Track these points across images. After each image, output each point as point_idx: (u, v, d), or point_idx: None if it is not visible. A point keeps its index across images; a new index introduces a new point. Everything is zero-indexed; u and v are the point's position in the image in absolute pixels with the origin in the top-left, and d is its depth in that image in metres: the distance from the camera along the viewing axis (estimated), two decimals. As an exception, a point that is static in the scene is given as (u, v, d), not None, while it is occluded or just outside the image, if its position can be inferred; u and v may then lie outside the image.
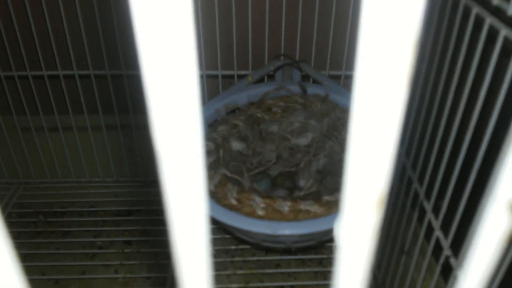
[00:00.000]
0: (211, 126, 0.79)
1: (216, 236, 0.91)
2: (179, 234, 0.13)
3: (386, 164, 0.10)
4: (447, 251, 0.55)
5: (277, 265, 0.89)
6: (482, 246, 0.13)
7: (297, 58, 0.92)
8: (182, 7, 0.10)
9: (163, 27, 0.10)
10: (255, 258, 0.90)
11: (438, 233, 0.58)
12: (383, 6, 0.10)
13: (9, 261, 0.13)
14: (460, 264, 0.52)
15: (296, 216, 0.61)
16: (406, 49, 0.10)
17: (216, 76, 0.93)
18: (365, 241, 0.11)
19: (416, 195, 0.65)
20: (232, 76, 0.93)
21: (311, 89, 0.84)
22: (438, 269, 0.57)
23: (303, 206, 0.61)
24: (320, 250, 0.91)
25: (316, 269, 0.88)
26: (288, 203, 0.62)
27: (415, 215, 0.66)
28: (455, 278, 0.53)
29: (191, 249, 0.13)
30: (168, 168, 0.12)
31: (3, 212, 0.97)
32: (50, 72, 0.90)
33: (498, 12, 0.44)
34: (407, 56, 0.10)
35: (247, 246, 0.91)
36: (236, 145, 0.78)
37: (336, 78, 0.94)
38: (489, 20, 0.44)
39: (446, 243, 0.55)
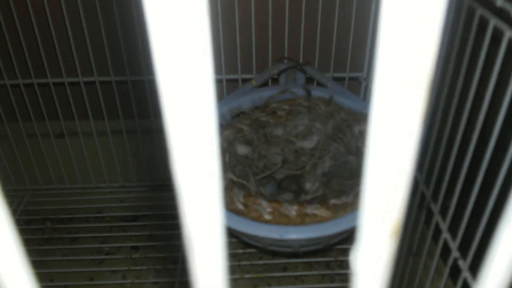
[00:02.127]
0: (216, 130, 0.79)
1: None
2: (195, 237, 0.13)
3: (401, 197, 0.10)
4: (455, 253, 0.55)
5: (284, 269, 0.89)
6: (498, 268, 0.13)
7: (301, 60, 0.92)
8: (198, 10, 0.10)
9: (179, 32, 0.10)
10: (262, 262, 0.90)
11: (446, 235, 0.57)
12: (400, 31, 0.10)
13: (23, 271, 0.13)
14: (468, 266, 0.52)
15: (302, 220, 0.61)
16: (422, 80, 0.10)
17: (220, 80, 0.93)
18: (380, 268, 0.11)
19: (423, 196, 0.64)
20: (236, 80, 0.93)
21: (315, 92, 0.84)
22: (446, 271, 0.57)
23: (309, 210, 0.61)
24: (327, 253, 0.91)
25: (323, 272, 0.88)
26: (295, 207, 0.62)
27: (422, 217, 0.66)
28: (464, 280, 0.53)
29: (207, 253, 0.13)
30: (183, 172, 0.12)
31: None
32: (55, 80, 0.90)
33: (501, 14, 0.44)
34: (421, 97, 0.10)
35: (254, 250, 0.91)
36: (242, 149, 0.78)
37: (340, 80, 0.94)
38: (509, 33, 0.44)
39: (454, 245, 0.55)
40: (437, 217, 0.60)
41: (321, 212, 0.62)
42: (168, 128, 0.11)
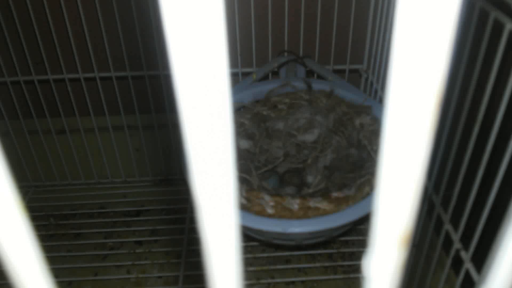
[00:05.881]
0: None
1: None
2: (209, 233, 0.13)
3: (411, 208, 0.11)
4: (457, 244, 0.55)
5: (287, 261, 0.90)
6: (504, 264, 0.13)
7: (301, 53, 0.92)
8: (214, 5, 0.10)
9: (195, 29, 0.10)
10: (265, 255, 0.90)
11: (447, 226, 0.58)
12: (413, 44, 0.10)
13: (39, 269, 0.13)
14: (470, 257, 0.53)
15: (305, 213, 0.61)
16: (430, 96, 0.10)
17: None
18: (392, 275, 0.11)
19: (425, 189, 0.65)
20: (236, 74, 0.93)
21: (316, 85, 0.84)
22: (448, 262, 0.57)
23: (312, 203, 0.62)
24: (329, 245, 0.92)
25: (326, 264, 0.88)
26: (297, 201, 0.62)
27: (424, 209, 0.66)
28: (466, 271, 0.53)
29: (222, 248, 0.13)
30: (198, 166, 0.12)
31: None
32: (56, 76, 0.90)
33: (502, 6, 0.44)
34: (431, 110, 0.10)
35: (257, 243, 0.91)
36: (243, 144, 0.78)
37: (340, 72, 0.94)
38: (509, 25, 0.44)
39: (456, 237, 0.56)
40: (439, 209, 0.60)
41: (324, 205, 0.62)
42: (183, 123, 0.11)
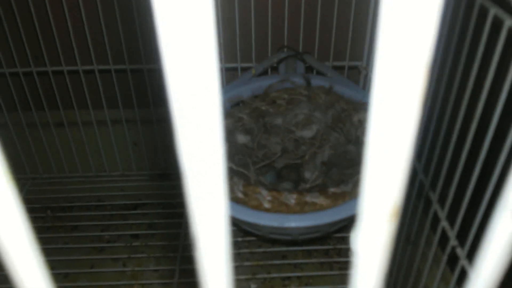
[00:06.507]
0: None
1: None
2: (200, 227, 0.13)
3: (400, 179, 0.11)
4: (453, 241, 0.55)
5: (284, 256, 0.90)
6: (493, 253, 0.13)
7: (300, 49, 0.92)
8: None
9: (185, 22, 0.10)
10: (261, 250, 0.91)
11: (444, 223, 0.58)
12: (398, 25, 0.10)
13: (36, 264, 0.14)
14: (466, 254, 0.53)
15: (302, 208, 0.61)
16: (419, 70, 0.10)
17: (219, 69, 0.93)
18: (381, 249, 0.11)
19: (422, 185, 0.65)
20: (235, 69, 0.93)
21: (315, 81, 0.84)
22: (444, 259, 0.57)
23: (309, 198, 0.62)
24: (326, 241, 0.92)
25: (322, 260, 0.89)
26: (294, 196, 0.62)
27: (421, 205, 0.66)
28: (462, 268, 0.53)
29: (212, 243, 0.14)
30: (189, 162, 0.12)
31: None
32: (55, 68, 0.90)
33: (501, 2, 0.44)
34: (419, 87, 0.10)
35: (253, 238, 0.91)
36: (241, 138, 0.78)
37: (339, 69, 0.94)
38: (509, 22, 0.44)
39: (452, 233, 0.56)
40: (435, 206, 0.60)
41: (321, 200, 0.62)
42: (174, 117, 0.11)
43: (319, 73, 0.90)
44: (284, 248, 0.91)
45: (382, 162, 0.11)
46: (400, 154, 0.11)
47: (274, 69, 0.92)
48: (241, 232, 0.92)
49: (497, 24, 0.45)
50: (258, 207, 0.62)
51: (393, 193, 0.11)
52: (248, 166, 0.73)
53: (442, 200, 0.59)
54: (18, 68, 0.90)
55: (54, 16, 0.84)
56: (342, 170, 0.73)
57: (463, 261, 0.53)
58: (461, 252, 0.54)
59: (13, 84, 0.92)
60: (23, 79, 0.91)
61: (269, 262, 0.88)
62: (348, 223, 0.69)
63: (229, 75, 0.94)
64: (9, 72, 0.91)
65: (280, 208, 0.62)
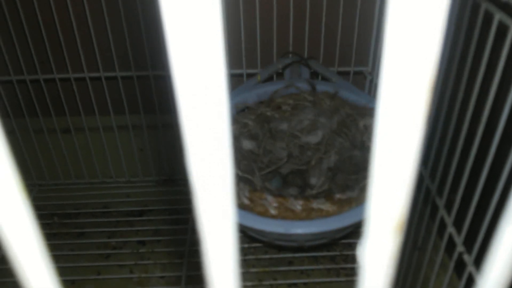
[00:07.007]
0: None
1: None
2: (208, 233, 0.13)
3: (405, 194, 0.11)
4: (460, 248, 0.55)
5: (290, 263, 0.90)
6: (501, 259, 0.13)
7: (305, 55, 0.92)
8: (211, 8, 0.10)
9: (193, 29, 0.10)
10: (267, 256, 0.90)
11: (451, 229, 0.58)
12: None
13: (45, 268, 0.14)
14: (473, 260, 0.52)
15: (308, 214, 0.61)
16: (424, 80, 0.10)
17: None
18: (386, 262, 0.11)
19: (428, 191, 0.64)
20: (241, 75, 0.93)
21: (320, 86, 0.84)
22: (451, 265, 0.57)
23: (315, 204, 0.62)
24: (332, 247, 0.92)
25: (329, 266, 0.88)
26: (300, 202, 0.62)
27: (427, 211, 0.66)
28: (469, 274, 0.53)
29: (220, 248, 0.14)
30: (197, 169, 0.12)
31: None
32: (61, 75, 0.90)
33: (506, 8, 0.44)
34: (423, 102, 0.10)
35: (260, 244, 0.91)
36: (247, 144, 0.78)
37: (345, 74, 0.94)
38: (498, 15, 0.44)
39: (459, 240, 0.55)
40: (442, 212, 0.60)
41: (327, 206, 0.62)
42: (182, 123, 0.11)
43: (324, 78, 0.90)
44: (290, 255, 0.91)
45: (388, 178, 0.11)
46: (406, 169, 0.11)
47: (279, 74, 0.92)
48: (247, 239, 0.92)
49: (502, 29, 0.45)
50: (264, 214, 0.62)
51: (398, 207, 0.11)
52: (254, 172, 0.73)
53: (448, 206, 0.59)
54: (25, 75, 0.90)
55: (61, 24, 0.85)
56: (348, 175, 0.72)
57: (470, 268, 0.53)
58: (468, 259, 0.53)
59: (20, 91, 0.93)
60: (30, 86, 0.92)
61: (276, 269, 0.88)
62: (355, 229, 0.69)
63: (235, 81, 0.95)
64: (16, 80, 0.91)
65: (286, 214, 0.62)
